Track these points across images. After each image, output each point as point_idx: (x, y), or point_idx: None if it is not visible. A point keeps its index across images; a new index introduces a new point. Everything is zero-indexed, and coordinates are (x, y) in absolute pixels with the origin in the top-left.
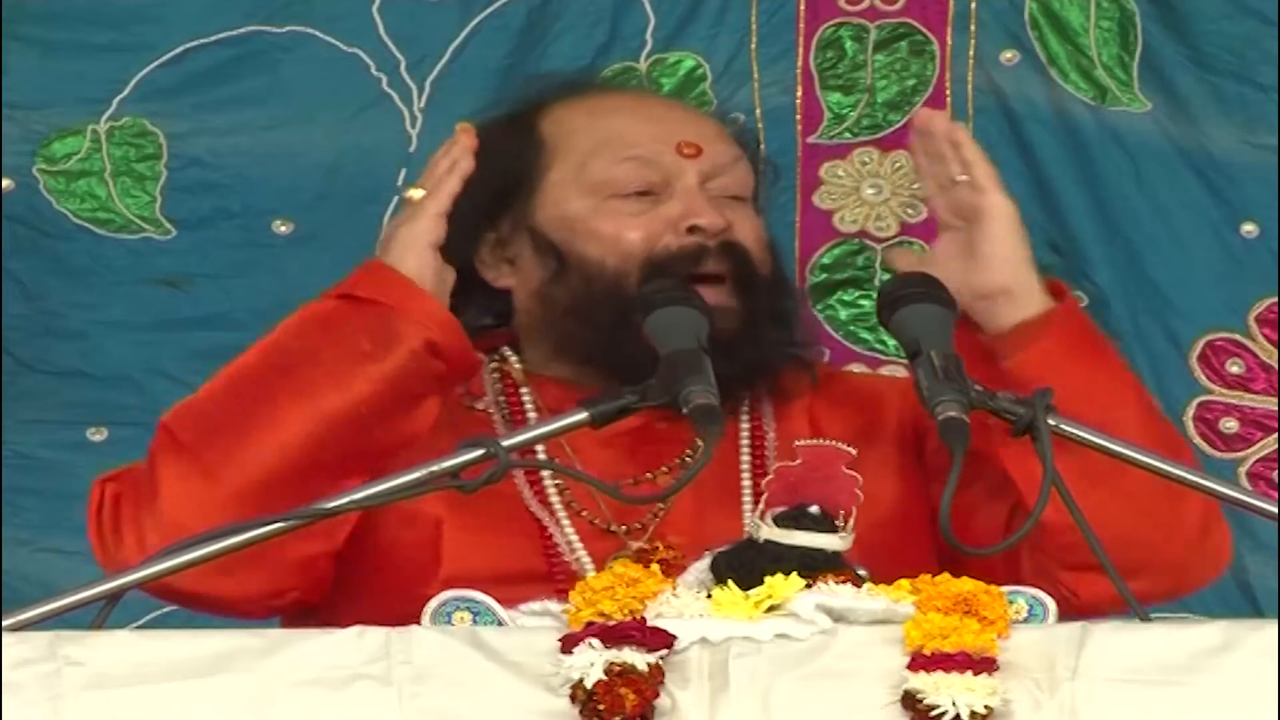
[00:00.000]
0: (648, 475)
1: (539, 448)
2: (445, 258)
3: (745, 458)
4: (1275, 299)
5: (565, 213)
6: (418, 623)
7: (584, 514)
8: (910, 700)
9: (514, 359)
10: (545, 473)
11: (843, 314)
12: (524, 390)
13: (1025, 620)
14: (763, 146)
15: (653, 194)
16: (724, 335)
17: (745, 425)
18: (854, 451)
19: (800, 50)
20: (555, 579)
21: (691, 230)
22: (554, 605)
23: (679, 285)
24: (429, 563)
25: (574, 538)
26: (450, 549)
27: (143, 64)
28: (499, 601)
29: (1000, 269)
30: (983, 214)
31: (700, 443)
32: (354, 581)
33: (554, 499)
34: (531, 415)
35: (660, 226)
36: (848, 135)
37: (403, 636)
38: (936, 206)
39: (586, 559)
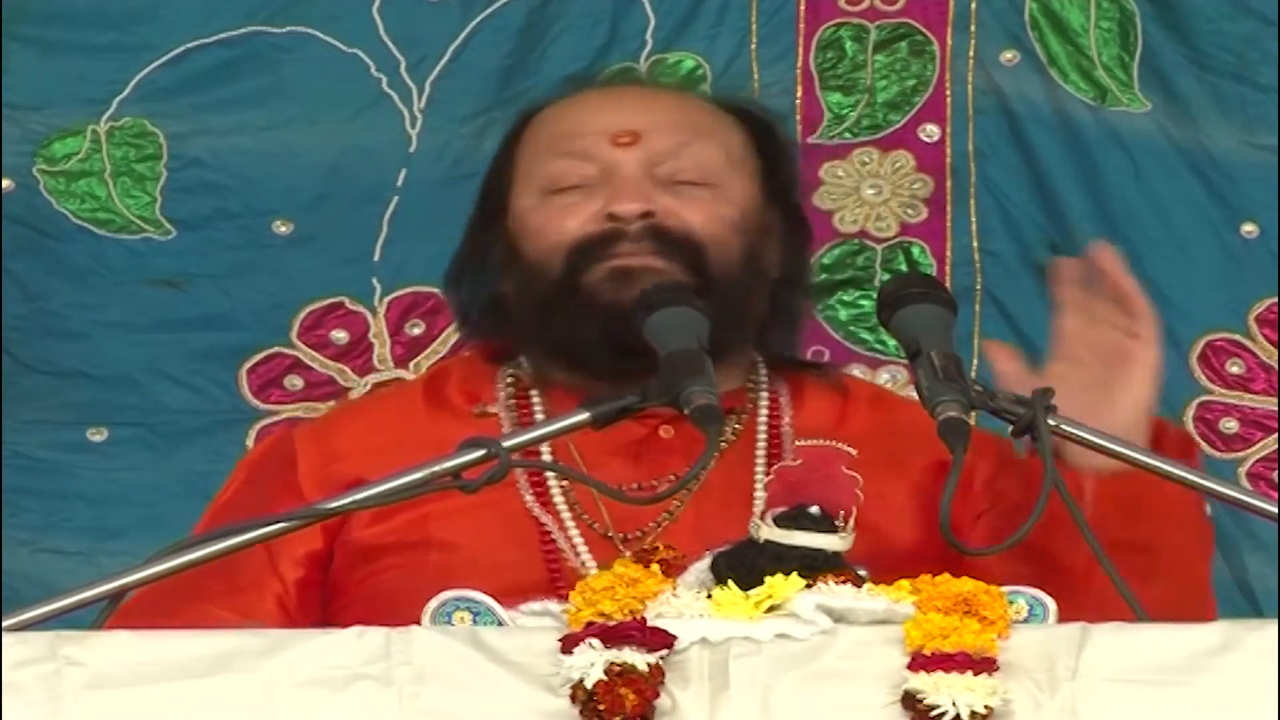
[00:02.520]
0: (653, 482)
1: (544, 449)
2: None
3: (760, 468)
4: (1275, 299)
5: (518, 210)
6: None
7: (585, 517)
8: (910, 700)
9: (527, 364)
10: (551, 476)
11: (843, 314)
12: (533, 393)
13: (1025, 620)
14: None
15: (589, 186)
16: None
17: (762, 436)
18: (854, 452)
19: (800, 51)
20: (557, 586)
21: (611, 217)
22: (554, 605)
23: (678, 285)
24: (419, 590)
25: (579, 541)
26: (437, 570)
27: (143, 64)
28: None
29: (1130, 417)
30: (1134, 362)
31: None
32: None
33: (559, 502)
34: (539, 418)
35: (585, 217)
36: (848, 135)
37: (403, 636)
38: (1073, 339)
39: (591, 563)
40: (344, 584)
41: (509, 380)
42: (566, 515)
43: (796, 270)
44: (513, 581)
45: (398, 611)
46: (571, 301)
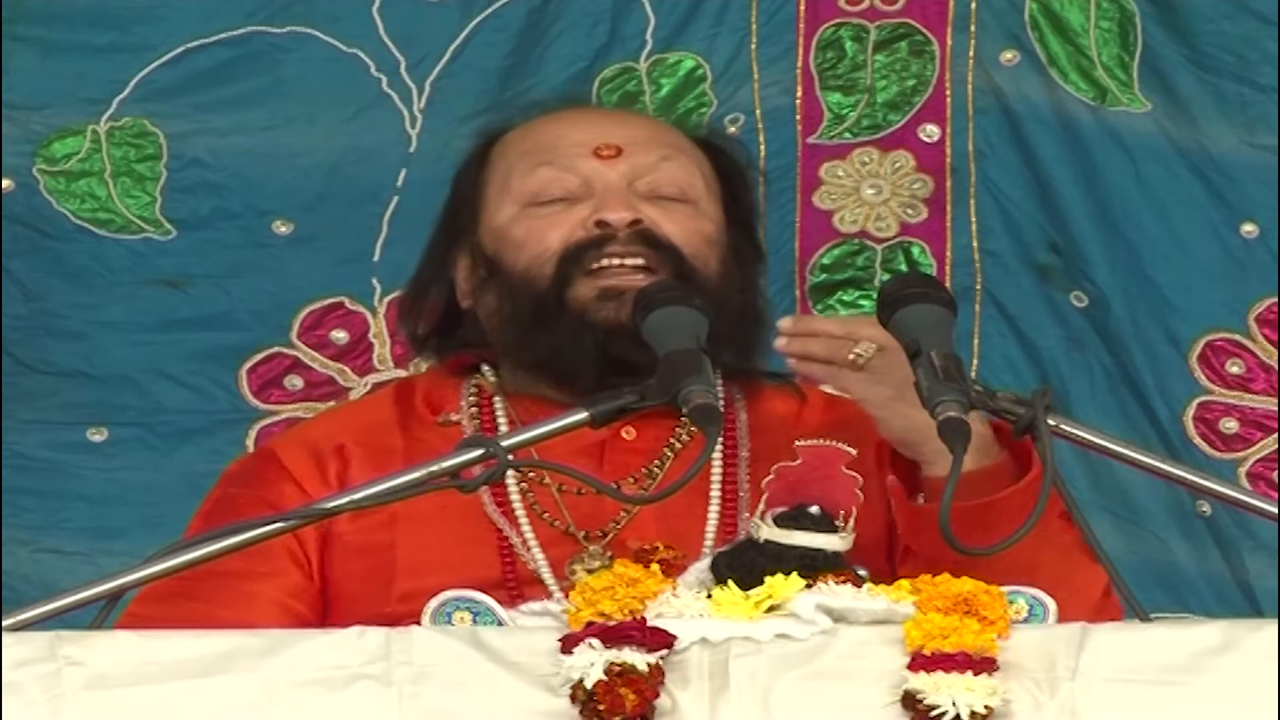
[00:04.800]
0: (614, 483)
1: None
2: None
3: (716, 466)
4: (1275, 299)
5: (495, 224)
6: None
7: (545, 516)
8: (910, 700)
9: (490, 374)
10: (509, 478)
11: (843, 314)
12: (496, 400)
13: (1025, 620)
14: (761, 148)
15: (572, 199)
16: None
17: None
18: (854, 452)
19: (800, 50)
20: (508, 583)
21: (600, 224)
22: (554, 605)
23: (676, 285)
24: (383, 586)
25: (532, 541)
26: (403, 569)
27: (143, 64)
28: None
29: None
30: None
31: (667, 451)
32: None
33: (516, 503)
34: (503, 425)
35: (571, 225)
36: (848, 135)
37: (403, 636)
38: (847, 384)
39: (543, 561)
40: (328, 579)
41: (472, 390)
42: (522, 515)
43: (752, 297)
44: (475, 578)
45: (369, 605)
46: (563, 318)
